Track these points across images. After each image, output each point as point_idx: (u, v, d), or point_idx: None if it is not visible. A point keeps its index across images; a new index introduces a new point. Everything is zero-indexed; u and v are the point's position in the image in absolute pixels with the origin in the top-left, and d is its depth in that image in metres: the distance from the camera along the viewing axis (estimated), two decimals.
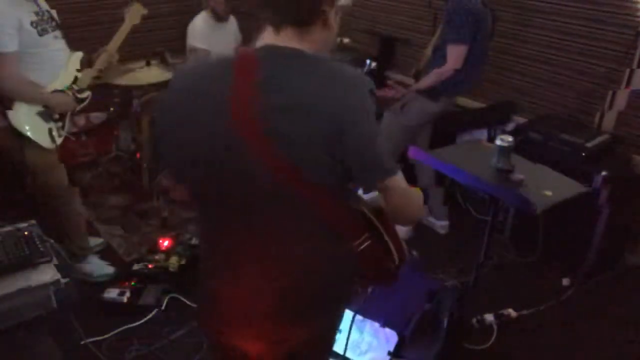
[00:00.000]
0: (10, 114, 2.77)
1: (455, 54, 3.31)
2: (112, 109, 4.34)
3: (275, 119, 1.34)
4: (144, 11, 3.34)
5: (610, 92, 3.55)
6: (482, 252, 2.72)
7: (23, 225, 2.36)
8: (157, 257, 3.31)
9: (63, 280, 2.14)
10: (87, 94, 3.12)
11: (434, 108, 3.54)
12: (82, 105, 3.11)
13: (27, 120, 2.84)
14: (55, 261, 2.20)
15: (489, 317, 3.13)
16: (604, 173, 3.20)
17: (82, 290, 2.69)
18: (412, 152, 2.73)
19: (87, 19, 4.52)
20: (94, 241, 3.54)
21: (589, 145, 3.33)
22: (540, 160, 2.74)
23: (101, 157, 4.45)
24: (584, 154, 3.30)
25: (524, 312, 3.22)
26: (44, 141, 2.92)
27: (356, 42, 4.81)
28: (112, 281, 3.26)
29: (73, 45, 3.05)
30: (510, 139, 2.59)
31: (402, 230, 3.68)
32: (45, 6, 2.88)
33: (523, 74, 4.02)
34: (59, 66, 2.91)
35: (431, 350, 2.73)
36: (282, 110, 1.34)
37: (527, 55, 3.96)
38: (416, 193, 1.56)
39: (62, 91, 2.94)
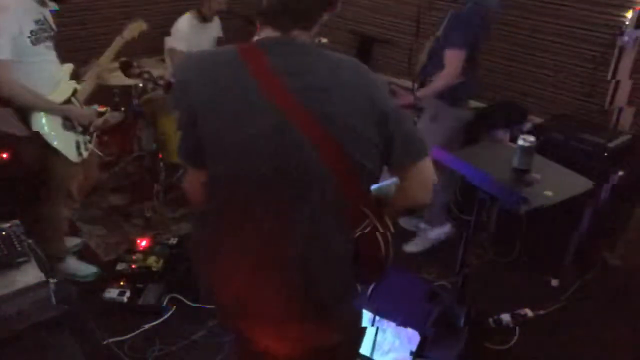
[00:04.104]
0: (37, 124, 2.76)
1: (455, 60, 3.23)
2: (123, 108, 4.36)
3: (314, 99, 1.41)
4: (144, 27, 3.32)
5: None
6: (470, 252, 2.79)
7: (5, 225, 2.34)
8: (137, 257, 3.34)
9: (52, 281, 2.13)
10: (104, 108, 3.19)
11: (465, 114, 3.52)
12: (104, 117, 3.15)
13: (54, 132, 2.83)
14: (34, 261, 2.20)
15: (506, 317, 3.09)
16: (620, 173, 3.21)
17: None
18: (435, 152, 2.73)
19: (80, 28, 4.51)
20: (72, 241, 3.54)
21: (611, 145, 3.31)
22: (561, 160, 2.74)
23: (123, 157, 4.47)
24: (606, 154, 3.28)
25: (541, 312, 3.19)
26: (70, 154, 2.91)
27: (335, 42, 4.79)
28: (100, 281, 3.27)
29: (63, 54, 3.03)
30: (532, 139, 2.59)
31: None
32: (47, 14, 2.84)
33: (525, 77, 4.04)
34: (52, 77, 2.87)
35: (453, 350, 2.73)
36: (316, 90, 1.41)
37: (530, 60, 3.99)
38: (432, 179, 1.59)
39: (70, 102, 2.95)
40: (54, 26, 2.88)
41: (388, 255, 1.61)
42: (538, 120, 3.87)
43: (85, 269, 3.35)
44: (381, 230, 1.56)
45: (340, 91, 1.42)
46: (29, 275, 2.14)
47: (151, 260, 3.31)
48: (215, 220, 1.63)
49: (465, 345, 2.74)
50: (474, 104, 4.18)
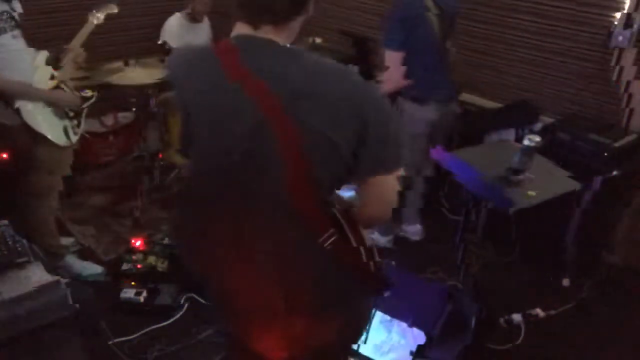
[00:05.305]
0: (24, 111, 2.78)
1: (389, 61, 3.24)
2: (134, 109, 4.37)
3: (294, 105, 1.37)
4: (110, 11, 3.29)
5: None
6: (466, 252, 2.81)
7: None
8: (138, 257, 3.33)
9: (64, 280, 2.13)
10: (91, 93, 3.15)
11: (426, 114, 3.39)
12: (88, 103, 3.14)
13: (42, 118, 2.85)
14: (39, 261, 2.19)
15: (517, 317, 3.11)
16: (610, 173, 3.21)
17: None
18: (434, 153, 2.77)
19: (52, 19, 4.43)
20: (66, 240, 3.53)
21: (616, 145, 3.29)
22: (566, 160, 2.73)
23: (124, 157, 4.46)
24: (606, 154, 3.26)
25: (552, 312, 3.21)
26: (59, 138, 2.93)
27: (328, 42, 4.78)
28: (108, 281, 3.29)
29: (39, 45, 3.02)
30: (537, 139, 2.58)
31: (381, 240, 3.65)
32: (11, 6, 2.81)
33: (535, 78, 4.00)
34: (23, 66, 2.86)
35: (454, 350, 2.72)
36: (297, 97, 1.37)
37: (539, 62, 3.95)
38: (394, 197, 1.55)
39: (59, 88, 2.97)
40: (17, 17, 2.84)
41: (372, 265, 1.57)
42: (549, 120, 3.84)
43: (90, 269, 3.35)
44: (354, 244, 1.53)
45: (321, 99, 1.38)
46: (38, 275, 2.14)
47: (152, 259, 3.31)
48: (192, 215, 1.66)
49: (466, 345, 2.74)
50: (488, 104, 4.20)
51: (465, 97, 4.05)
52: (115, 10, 3.31)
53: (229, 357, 2.64)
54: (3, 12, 2.75)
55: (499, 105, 4.14)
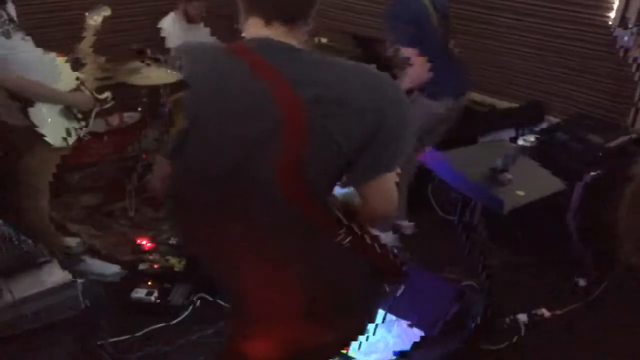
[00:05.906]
0: (32, 112, 2.78)
1: (413, 56, 3.32)
2: (139, 108, 4.37)
3: (320, 112, 1.34)
4: (107, 13, 3.27)
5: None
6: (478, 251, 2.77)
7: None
8: (154, 257, 3.32)
9: (79, 281, 2.13)
10: (106, 94, 3.14)
11: (437, 108, 3.47)
12: (105, 106, 3.16)
13: (45, 117, 2.85)
14: (52, 262, 2.20)
15: (523, 317, 3.11)
16: (593, 173, 3.20)
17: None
18: (426, 154, 2.77)
19: (57, 19, 4.41)
20: (72, 241, 3.52)
21: (610, 145, 3.27)
22: (559, 160, 2.72)
23: (119, 157, 4.43)
24: (600, 154, 3.24)
25: (557, 311, 3.19)
26: (56, 140, 2.93)
27: (334, 42, 4.77)
28: (125, 281, 3.28)
29: (41, 46, 2.99)
30: (532, 138, 2.58)
31: (388, 238, 3.58)
32: (6, 9, 2.79)
33: (548, 77, 3.99)
34: (38, 67, 2.85)
35: (446, 350, 2.71)
36: (327, 102, 1.34)
37: (550, 61, 3.94)
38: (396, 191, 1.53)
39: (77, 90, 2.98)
40: (15, 19, 2.84)
41: (382, 250, 1.58)
42: (555, 120, 3.83)
43: (110, 269, 3.35)
44: (368, 241, 1.53)
45: (346, 106, 1.35)
46: (54, 275, 2.14)
47: (169, 259, 3.29)
48: (198, 221, 1.63)
49: (459, 345, 2.72)
50: (501, 104, 4.19)
51: (474, 96, 4.06)
52: (109, 12, 3.30)
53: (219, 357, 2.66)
54: (1, 14, 2.74)
55: (505, 103, 4.15)
